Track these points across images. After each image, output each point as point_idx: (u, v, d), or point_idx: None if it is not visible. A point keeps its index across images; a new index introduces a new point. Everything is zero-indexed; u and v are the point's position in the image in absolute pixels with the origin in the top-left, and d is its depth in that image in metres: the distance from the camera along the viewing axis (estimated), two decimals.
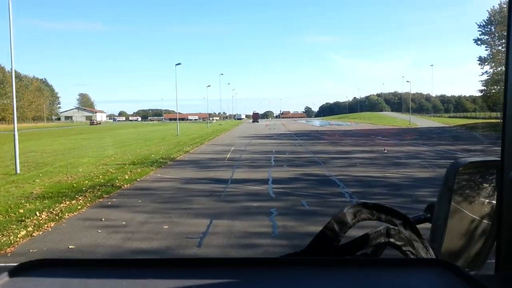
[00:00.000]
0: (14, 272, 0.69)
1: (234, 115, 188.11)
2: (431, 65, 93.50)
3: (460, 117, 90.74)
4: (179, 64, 38.69)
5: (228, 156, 18.23)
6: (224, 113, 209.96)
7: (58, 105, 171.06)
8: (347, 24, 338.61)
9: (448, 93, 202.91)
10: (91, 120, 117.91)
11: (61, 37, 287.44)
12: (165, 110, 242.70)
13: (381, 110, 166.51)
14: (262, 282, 0.70)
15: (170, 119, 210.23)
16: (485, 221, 1.15)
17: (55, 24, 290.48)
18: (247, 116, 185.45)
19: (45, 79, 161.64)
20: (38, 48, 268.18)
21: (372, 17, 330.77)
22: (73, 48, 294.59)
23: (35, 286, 0.68)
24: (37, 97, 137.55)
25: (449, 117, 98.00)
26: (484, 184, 1.16)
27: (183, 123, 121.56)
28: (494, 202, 1.13)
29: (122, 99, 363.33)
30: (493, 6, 49.05)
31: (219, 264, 0.75)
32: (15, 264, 0.71)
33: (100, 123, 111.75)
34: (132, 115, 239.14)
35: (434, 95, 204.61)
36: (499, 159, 0.83)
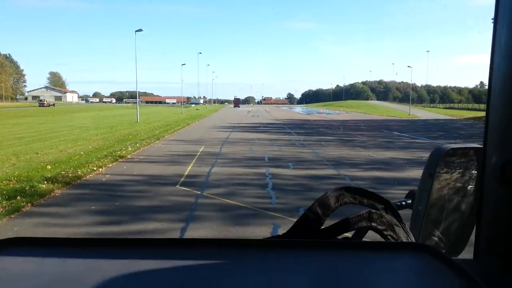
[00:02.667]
0: None
1: (214, 100, 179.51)
2: (427, 51, 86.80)
3: (456, 108, 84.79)
4: (139, 30, 30.12)
5: (187, 171, 10.27)
6: (204, 97, 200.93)
7: (24, 84, 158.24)
8: (331, 11, 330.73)
9: (434, 83, 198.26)
10: (40, 100, 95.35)
11: (39, 14, 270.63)
12: (143, 92, 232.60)
13: (367, 99, 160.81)
14: (243, 263, 0.70)
15: (147, 102, 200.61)
16: (465, 207, 1.15)
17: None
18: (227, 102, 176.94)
19: (9, 54, 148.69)
20: (10, 24, 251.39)
21: (357, 4, 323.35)
22: (50, 26, 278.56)
23: (12, 265, 0.65)
24: None
25: (445, 107, 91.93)
26: (466, 171, 1.15)
27: (157, 107, 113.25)
28: (475, 188, 1.12)
29: (98, 80, 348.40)
30: None
31: (200, 245, 0.74)
32: None
33: (53, 105, 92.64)
34: (107, 97, 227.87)
35: (420, 84, 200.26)
36: (481, 146, 0.83)
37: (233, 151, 14.43)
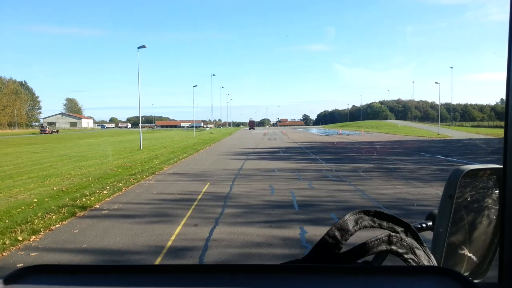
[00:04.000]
0: (9, 279, 0.67)
1: (229, 123, 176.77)
2: (451, 67, 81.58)
3: (483, 126, 79.65)
4: (142, 47, 26.91)
5: (174, 235, 6.42)
6: (219, 120, 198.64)
7: (39, 110, 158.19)
8: (346, 34, 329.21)
9: (454, 101, 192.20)
10: (41, 127, 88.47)
11: (56, 43, 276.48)
12: (158, 117, 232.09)
13: (385, 118, 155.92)
14: None
15: (162, 126, 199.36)
16: (487, 229, 1.12)
17: (48, 28, 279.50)
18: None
19: (24, 81, 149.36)
20: (30, 53, 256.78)
21: (371, 27, 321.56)
22: (68, 53, 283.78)
23: None
24: (12, 101, 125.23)
25: (472, 126, 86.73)
26: (486, 192, 1.13)
27: (171, 131, 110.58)
28: (496, 209, 1.10)
29: (115, 105, 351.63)
30: None
31: (218, 271, 0.73)
32: (11, 271, 0.67)
33: (56, 131, 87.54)
34: (123, 122, 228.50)
35: (440, 103, 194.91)
36: (501, 166, 0.82)
37: (247, 191, 10.58)
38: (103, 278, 0.71)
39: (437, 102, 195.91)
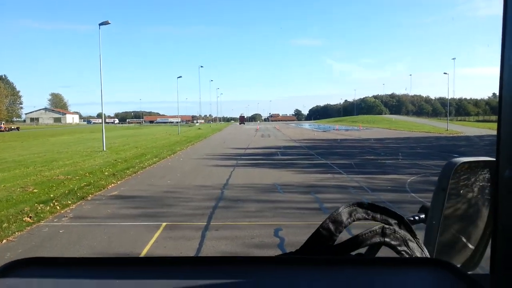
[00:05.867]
0: (3, 271, 0.67)
1: (220, 118, 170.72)
2: (453, 59, 76.41)
3: (492, 121, 75.06)
4: (105, 23, 21.84)
5: None
6: (210, 115, 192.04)
7: (20, 105, 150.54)
8: (336, 28, 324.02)
9: (450, 95, 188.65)
10: None
11: (43, 37, 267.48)
12: (148, 112, 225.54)
13: (379, 113, 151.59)
14: (256, 280, 0.69)
15: (151, 122, 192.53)
16: (479, 221, 1.14)
17: (37, 24, 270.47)
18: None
19: (4, 75, 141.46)
20: (11, 46, 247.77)
21: (364, 19, 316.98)
22: (55, 48, 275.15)
23: (26, 286, 0.65)
24: None
25: (476, 121, 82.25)
26: (479, 184, 1.14)
27: (158, 127, 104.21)
28: (489, 202, 1.11)
29: (105, 101, 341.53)
30: None
31: (214, 263, 0.73)
32: (4, 264, 0.67)
33: (16, 129, 76.75)
34: (109, 118, 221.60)
35: (434, 97, 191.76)
36: (493, 159, 0.82)
37: (234, 250, 5.28)
38: (96, 270, 0.70)
39: (431, 97, 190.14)
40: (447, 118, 55.85)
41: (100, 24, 21.57)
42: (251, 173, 13.00)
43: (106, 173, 12.61)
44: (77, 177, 11.79)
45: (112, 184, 10.70)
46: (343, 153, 20.50)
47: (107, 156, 18.78)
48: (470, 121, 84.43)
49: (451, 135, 40.72)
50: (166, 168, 14.55)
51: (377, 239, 0.82)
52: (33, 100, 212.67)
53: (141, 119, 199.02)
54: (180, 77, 51.61)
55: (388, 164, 15.44)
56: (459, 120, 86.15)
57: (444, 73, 51.66)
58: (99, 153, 20.49)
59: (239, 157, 18.53)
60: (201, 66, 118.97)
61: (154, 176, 12.50)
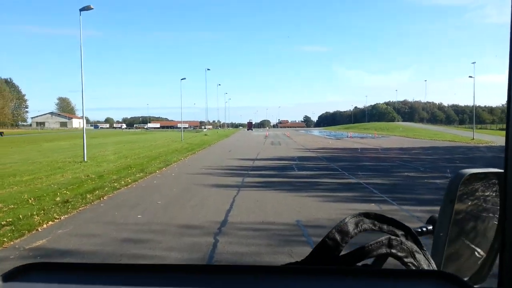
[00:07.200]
0: (8, 276, 0.67)
1: (228, 124, 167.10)
2: (473, 63, 72.10)
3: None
4: (87, 8, 18.77)
5: None
6: (218, 121, 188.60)
7: (26, 109, 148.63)
8: (344, 34, 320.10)
9: (461, 103, 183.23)
10: None
11: (54, 44, 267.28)
12: (156, 117, 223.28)
13: (391, 120, 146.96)
14: None
15: (162, 127, 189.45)
16: (488, 234, 1.11)
17: (47, 30, 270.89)
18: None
19: (10, 79, 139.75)
20: (18, 50, 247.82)
21: (373, 25, 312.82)
22: (66, 53, 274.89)
23: None
24: None
25: (499, 129, 77.72)
26: (487, 196, 1.11)
27: (164, 132, 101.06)
28: (497, 214, 1.08)
29: (112, 106, 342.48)
30: None
31: (218, 271, 0.73)
32: (9, 269, 0.66)
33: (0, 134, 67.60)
34: (117, 122, 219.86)
35: (447, 104, 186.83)
36: (502, 170, 0.82)
37: None
38: (101, 276, 0.70)
39: (444, 104, 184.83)
40: (473, 126, 51.52)
41: (80, 10, 18.26)
42: (261, 199, 9.30)
43: (58, 199, 8.97)
44: (11, 206, 8.16)
45: (50, 223, 7.01)
46: (373, 168, 16.71)
47: (83, 169, 15.20)
48: (492, 129, 79.95)
49: (482, 144, 36.63)
50: (147, 190, 10.88)
51: (383, 250, 0.81)
52: (41, 105, 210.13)
53: (145, 125, 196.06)
54: (184, 79, 48.10)
55: (441, 185, 11.63)
56: (479, 128, 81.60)
57: (470, 76, 47.43)
58: (76, 164, 16.92)
59: (246, 172, 14.84)
60: (208, 69, 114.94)
61: (123, 204, 8.82)
